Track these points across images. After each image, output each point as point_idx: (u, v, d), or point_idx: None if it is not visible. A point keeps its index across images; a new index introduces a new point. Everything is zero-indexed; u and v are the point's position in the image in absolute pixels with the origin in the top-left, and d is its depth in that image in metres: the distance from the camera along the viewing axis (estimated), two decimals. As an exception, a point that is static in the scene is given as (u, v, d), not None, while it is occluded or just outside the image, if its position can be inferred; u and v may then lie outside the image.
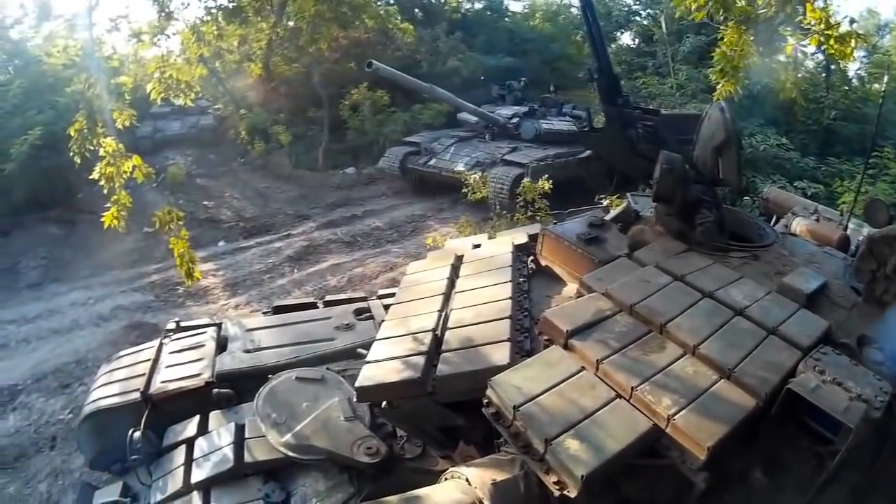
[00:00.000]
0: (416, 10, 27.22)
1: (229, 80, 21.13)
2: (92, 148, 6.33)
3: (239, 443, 3.98)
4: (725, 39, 7.98)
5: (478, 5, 30.31)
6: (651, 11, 28.13)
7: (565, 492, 2.48)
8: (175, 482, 4.00)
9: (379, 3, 22.90)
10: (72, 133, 6.33)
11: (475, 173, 15.36)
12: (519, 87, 21.91)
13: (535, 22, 29.96)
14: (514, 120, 19.55)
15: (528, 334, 3.56)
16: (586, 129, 5.01)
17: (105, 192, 6.33)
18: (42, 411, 9.08)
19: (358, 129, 21.24)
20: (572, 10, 30.47)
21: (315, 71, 20.84)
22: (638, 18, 29.64)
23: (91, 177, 6.43)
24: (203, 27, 7.27)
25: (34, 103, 16.65)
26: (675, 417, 2.67)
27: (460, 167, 17.14)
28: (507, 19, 30.44)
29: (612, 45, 27.31)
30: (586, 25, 5.23)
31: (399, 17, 23.27)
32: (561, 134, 18.91)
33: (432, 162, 18.55)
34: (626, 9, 29.87)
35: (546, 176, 12.55)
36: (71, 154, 6.42)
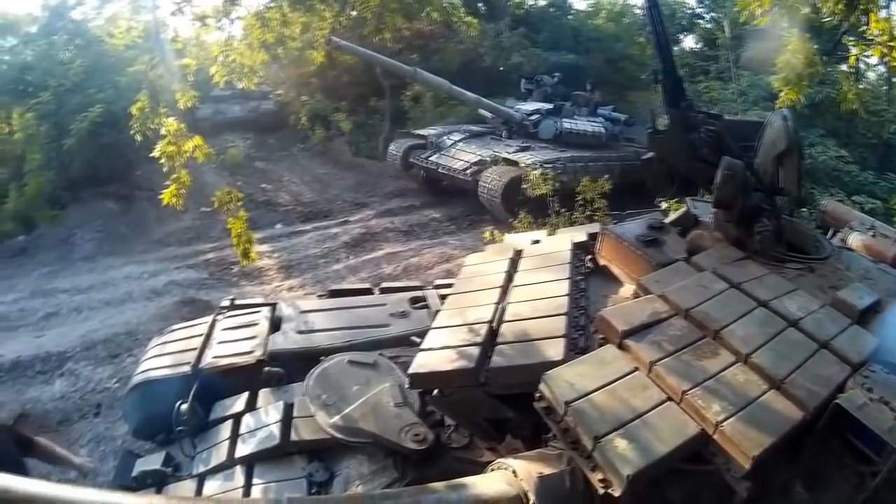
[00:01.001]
0: (480, 4, 27.06)
1: (291, 66, 21.28)
2: (153, 127, 6.43)
3: (286, 421, 4.03)
4: (789, 47, 7.88)
5: (542, 2, 29.93)
6: (714, 15, 27.72)
7: (610, 490, 2.47)
8: (219, 455, 4.07)
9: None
10: (134, 112, 6.43)
11: (472, 171, 15.90)
12: (551, 82, 20.08)
13: (600, 21, 29.46)
14: (534, 117, 18.13)
15: (583, 332, 3.56)
16: (650, 130, 5.02)
17: (165, 170, 6.43)
18: (89, 379, 9.24)
19: (419, 120, 21.06)
20: (636, 10, 30.12)
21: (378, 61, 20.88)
22: (701, 22, 29.21)
23: (151, 155, 6.53)
24: (268, 13, 7.31)
25: (95, 82, 16.98)
26: (723, 424, 2.65)
27: (458, 165, 16.60)
28: (570, 17, 30.00)
29: (675, 48, 26.65)
30: (651, 26, 5.22)
31: (464, 11, 23.21)
32: (584, 136, 17.84)
33: (434, 157, 17.49)
34: (689, 11, 29.44)
35: (553, 182, 12.41)
36: (132, 132, 6.52)
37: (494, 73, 21.24)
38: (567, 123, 17.90)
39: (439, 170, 17.02)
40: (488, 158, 16.34)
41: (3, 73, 18.55)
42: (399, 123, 20.48)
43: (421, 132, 18.84)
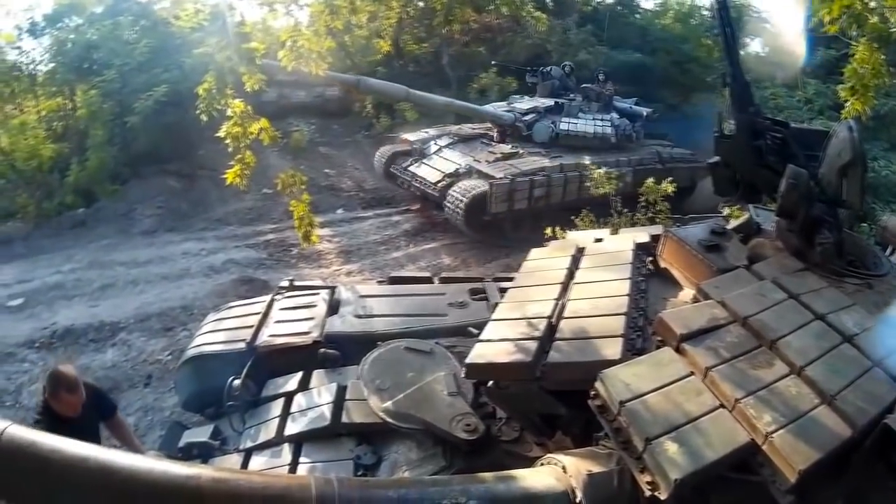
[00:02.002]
0: (548, 0, 26.93)
1: (358, 54, 21.37)
2: (219, 108, 6.52)
3: (338, 403, 4.08)
4: (857, 56, 7.74)
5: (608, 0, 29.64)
6: (782, 20, 27.20)
7: (656, 493, 2.47)
8: (268, 432, 4.14)
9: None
10: (200, 92, 6.52)
11: (443, 184, 14.10)
12: (559, 74, 17.93)
13: (667, 21, 29.00)
14: (528, 117, 15.92)
15: (641, 333, 3.55)
16: (717, 133, 4.97)
17: (230, 150, 6.52)
18: (141, 350, 9.42)
19: None
20: (704, 11, 29.70)
21: (445, 52, 20.89)
22: (768, 26, 28.72)
23: (216, 135, 6.63)
24: (337, 0, 7.35)
25: (160, 62, 17.27)
26: (773, 435, 2.63)
27: (433, 176, 14.44)
28: (638, 16, 29.65)
29: (742, 52, 26.34)
30: (720, 28, 5.15)
31: (532, 5, 22.97)
32: (586, 138, 15.80)
33: (413, 167, 15.29)
34: (756, 15, 29.00)
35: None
36: (197, 112, 6.62)
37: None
38: (565, 124, 15.95)
39: (415, 181, 15.01)
40: (463, 169, 14.38)
41: (69, 52, 18.94)
42: (465, 117, 20.34)
43: (408, 136, 16.53)
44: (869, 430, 2.82)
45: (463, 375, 3.64)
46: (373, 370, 4.07)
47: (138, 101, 16.35)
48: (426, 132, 16.61)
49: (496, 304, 4.49)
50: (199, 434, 4.51)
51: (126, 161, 16.67)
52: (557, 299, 3.89)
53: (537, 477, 2.72)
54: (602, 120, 16.29)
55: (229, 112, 6.43)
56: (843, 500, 2.87)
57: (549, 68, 18.16)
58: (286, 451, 3.97)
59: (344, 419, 3.97)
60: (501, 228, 14.19)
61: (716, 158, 5.19)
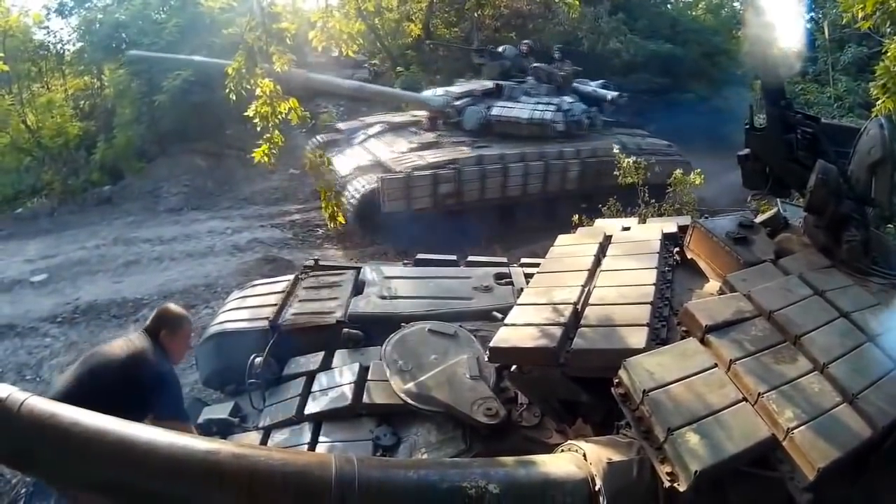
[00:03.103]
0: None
1: (387, 37, 21.34)
2: (248, 87, 6.56)
3: (360, 383, 4.10)
4: (889, 54, 7.66)
5: None
6: (814, 15, 26.88)
7: (675, 484, 2.48)
8: (288, 410, 4.17)
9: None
10: (230, 72, 6.55)
11: (350, 177, 12.53)
12: (513, 54, 16.09)
13: (698, 12, 28.71)
14: (460, 102, 14.23)
15: (665, 323, 3.55)
16: (748, 126, 4.89)
17: (258, 129, 6.55)
18: (165, 328, 9.47)
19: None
20: (735, 3, 29.45)
21: (475, 37, 20.78)
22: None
23: (244, 114, 6.66)
24: (368, -18, 7.44)
25: (189, 42, 17.37)
26: (794, 431, 2.63)
27: (347, 168, 12.87)
28: (669, 6, 29.39)
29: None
30: None
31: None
32: (518, 124, 13.75)
33: (335, 158, 12.97)
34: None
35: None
36: (226, 91, 6.65)
37: (591, 56, 20.63)
38: (498, 109, 14.06)
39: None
40: (371, 162, 12.93)
41: (97, 31, 19.16)
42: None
43: (340, 125, 15.73)
44: (889, 432, 2.82)
45: (486, 359, 3.67)
46: (395, 351, 4.09)
47: (166, 80, 16.46)
48: (362, 120, 15.76)
49: (521, 290, 4.50)
50: (219, 411, 4.55)
51: (153, 139, 16.81)
52: (583, 286, 3.90)
53: (558, 463, 2.73)
54: (546, 104, 14.19)
55: (258, 92, 6.46)
56: (860, 500, 2.86)
57: (502, 48, 16.52)
58: (306, 430, 4.00)
59: (365, 399, 3.98)
60: (407, 231, 11.74)
61: (746, 151, 5.16)
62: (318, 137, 15.36)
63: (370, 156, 13.20)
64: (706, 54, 24.74)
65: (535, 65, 15.53)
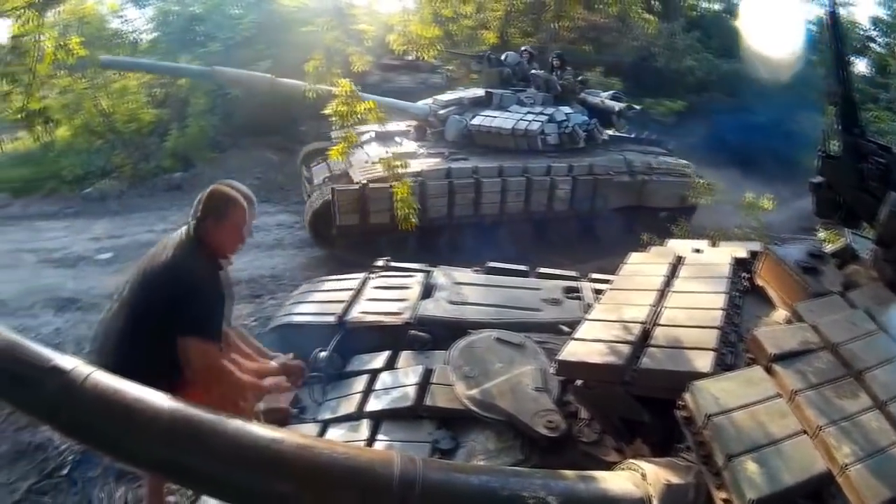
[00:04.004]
0: (654, 2, 26.55)
1: (463, 44, 21.41)
2: (326, 86, 6.67)
3: (423, 385, 4.12)
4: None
5: (716, 6, 28.58)
6: (889, 40, 26.25)
7: None
8: (349, 406, 4.20)
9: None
10: (308, 70, 6.67)
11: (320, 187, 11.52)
12: (515, 61, 14.59)
13: None
14: (446, 111, 13.11)
15: (732, 349, 3.53)
16: (822, 153, 4.79)
17: (334, 128, 6.65)
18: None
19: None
20: (810, 25, 28.96)
21: (550, 48, 20.74)
22: (874, 45, 27.73)
23: (321, 112, 6.78)
24: (450, -13, 7.48)
25: (264, 38, 17.72)
26: (850, 468, 2.60)
27: (318, 179, 12.05)
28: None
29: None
30: (831, 43, 5.02)
31: (641, 7, 22.63)
32: (500, 136, 12.35)
33: (315, 167, 12.91)
34: (862, 33, 28.00)
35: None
36: (303, 89, 6.77)
37: (666, 72, 20.46)
38: (479, 119, 12.63)
39: (308, 184, 12.67)
40: (340, 172, 11.69)
41: (172, 23, 19.59)
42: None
43: (333, 133, 12.71)
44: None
45: (552, 372, 3.69)
46: (462, 357, 4.14)
47: (241, 74, 16.76)
48: (354, 128, 13.66)
49: (589, 304, 4.52)
50: (276, 400, 4.54)
51: (226, 131, 17.13)
52: (653, 306, 3.91)
53: (617, 481, 2.75)
54: (538, 114, 12.68)
55: (336, 91, 6.56)
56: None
57: (505, 55, 14.87)
58: (364, 427, 4.02)
59: (427, 402, 4.01)
60: (367, 247, 10.55)
61: (819, 179, 5.08)
62: (307, 147, 14.68)
63: (343, 165, 11.63)
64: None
65: (533, 71, 14.18)
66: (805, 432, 2.82)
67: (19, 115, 6.85)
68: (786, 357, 3.23)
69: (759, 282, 4.58)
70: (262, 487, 2.19)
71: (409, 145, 12.60)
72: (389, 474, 2.24)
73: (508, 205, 11.40)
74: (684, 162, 13.68)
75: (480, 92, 13.59)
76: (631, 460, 2.95)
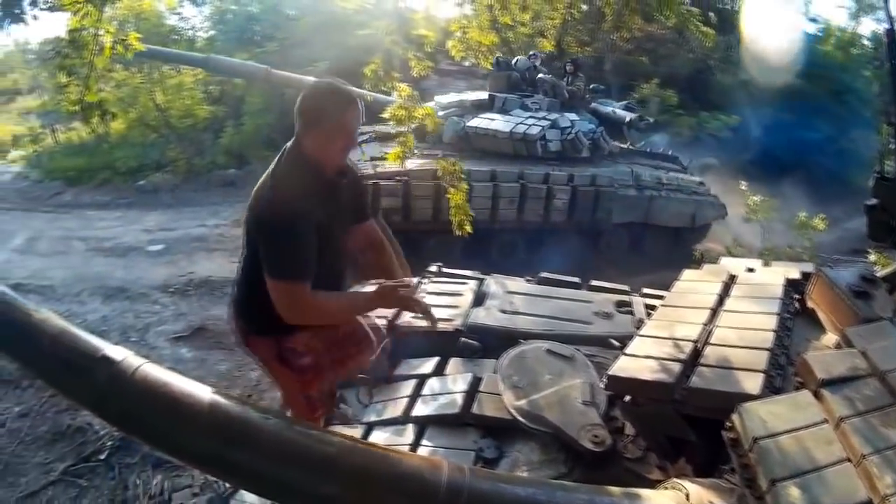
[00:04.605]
0: (711, 14, 26.14)
1: (520, 51, 21.38)
2: (384, 90, 6.74)
3: (471, 393, 4.13)
4: None
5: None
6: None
7: None
8: (395, 410, 4.23)
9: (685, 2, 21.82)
10: (367, 73, 6.74)
11: None
12: (526, 66, 14.08)
13: (828, 48, 28.00)
14: (445, 112, 12.66)
15: (781, 372, 3.52)
16: (877, 175, 4.70)
17: (392, 132, 6.72)
18: (278, 311, 9.68)
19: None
20: (865, 41, 28.44)
21: (607, 58, 20.71)
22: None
23: (379, 116, 6.86)
24: (508, -5, 7.43)
25: (321, 40, 17.92)
26: (890, 499, 2.53)
27: None
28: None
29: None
30: (889, 61, 4.95)
31: (699, 20, 22.33)
32: (496, 139, 11.98)
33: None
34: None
35: None
36: (299, 82, 6.83)
37: (722, 86, 20.19)
38: (476, 121, 12.37)
39: None
40: None
41: (229, 22, 19.92)
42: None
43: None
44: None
45: (601, 386, 3.72)
46: (511, 367, 4.16)
47: (298, 73, 16.90)
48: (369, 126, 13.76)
49: (640, 319, 4.53)
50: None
51: (281, 130, 17.35)
52: (705, 324, 3.92)
53: (661, 500, 2.76)
54: (540, 119, 12.29)
55: (395, 95, 6.63)
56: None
57: (515, 59, 14.51)
58: (409, 432, 4.04)
59: (474, 410, 4.02)
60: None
61: (873, 201, 5.01)
62: None
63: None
64: (834, 92, 23.87)
65: (540, 76, 13.74)
66: (849, 460, 2.80)
67: (76, 107, 6.97)
68: (834, 382, 3.20)
69: (810, 304, 4.55)
70: (308, 487, 2.21)
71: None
72: (437, 481, 2.25)
73: (501, 212, 11.16)
74: (697, 179, 13.36)
75: (484, 95, 13.30)
76: (675, 479, 2.96)
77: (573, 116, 12.71)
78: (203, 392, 2.40)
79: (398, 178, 10.78)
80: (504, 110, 12.70)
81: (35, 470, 6.14)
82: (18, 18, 6.41)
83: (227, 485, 4.59)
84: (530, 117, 12.28)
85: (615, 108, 14.63)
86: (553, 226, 11.32)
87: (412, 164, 10.92)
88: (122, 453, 6.21)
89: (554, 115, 12.51)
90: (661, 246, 11.52)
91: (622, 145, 13.69)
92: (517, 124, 11.99)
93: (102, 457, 6.22)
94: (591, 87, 14.91)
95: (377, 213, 3.84)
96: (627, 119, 14.19)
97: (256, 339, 3.57)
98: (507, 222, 11.19)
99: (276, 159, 3.24)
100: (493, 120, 12.26)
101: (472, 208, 10.09)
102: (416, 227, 10.68)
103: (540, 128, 11.91)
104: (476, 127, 12.16)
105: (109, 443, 6.33)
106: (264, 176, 3.20)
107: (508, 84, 13.61)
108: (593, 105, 14.42)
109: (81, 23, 6.15)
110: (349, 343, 3.68)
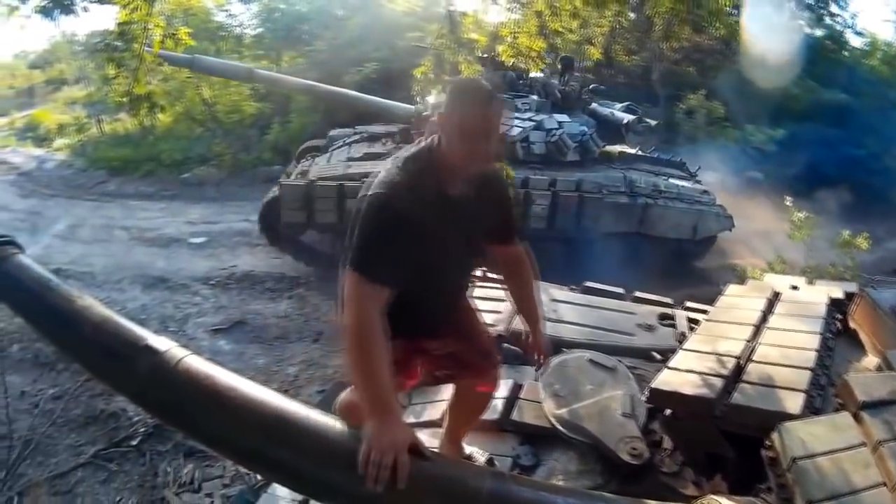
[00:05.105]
0: (759, 27, 25.88)
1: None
2: (434, 91, 6.81)
3: (511, 399, 4.14)
4: None
5: (818, 32, 27.57)
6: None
7: None
8: (433, 412, 4.25)
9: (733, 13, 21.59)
10: (417, 75, 6.81)
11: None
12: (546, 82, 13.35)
13: (874, 62, 27.35)
14: (427, 113, 11.31)
15: (822, 392, 3.53)
16: None
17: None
18: (317, 307, 9.90)
19: (690, 137, 19.97)
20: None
21: (656, 68, 20.64)
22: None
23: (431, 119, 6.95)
24: (559, 3, 7.43)
25: (371, 41, 18.06)
26: None
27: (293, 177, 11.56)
28: (845, 53, 27.83)
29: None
30: None
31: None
32: None
33: (302, 164, 12.51)
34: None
35: None
36: (412, 93, 6.91)
37: (769, 99, 20.09)
38: None
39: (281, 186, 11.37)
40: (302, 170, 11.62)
41: (278, 20, 20.15)
42: (671, 134, 19.50)
43: (333, 132, 14.43)
44: None
45: (642, 398, 3.75)
46: (553, 375, 4.18)
47: (347, 74, 17.04)
48: (354, 128, 14.07)
49: (682, 333, 4.55)
50: None
51: (328, 128, 17.50)
52: (748, 341, 3.93)
53: (698, 515, 2.78)
54: (526, 120, 11.73)
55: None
56: None
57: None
58: (446, 435, 4.08)
59: (514, 416, 4.03)
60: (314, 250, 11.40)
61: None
62: (305, 144, 15.02)
63: (317, 165, 11.84)
64: (880, 108, 23.51)
65: (532, 74, 12.61)
66: (885, 484, 2.79)
67: (124, 99, 7.08)
68: (874, 405, 3.19)
69: (853, 324, 4.53)
70: (350, 488, 2.20)
71: (388, 147, 12.00)
72: (480, 488, 2.25)
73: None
74: (702, 188, 12.31)
75: None
76: (710, 496, 2.95)
77: (563, 118, 12.22)
78: (247, 387, 2.43)
79: (364, 180, 10.04)
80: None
81: (66, 451, 6.32)
82: (69, 10, 6.54)
83: (259, 477, 4.64)
84: (515, 118, 11.71)
85: (614, 110, 14.34)
86: (535, 232, 10.39)
87: (375, 167, 10.26)
88: (154, 440, 6.37)
89: (541, 117, 12.04)
90: (659, 259, 10.86)
91: (629, 150, 13.13)
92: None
93: (134, 443, 6.39)
94: (590, 87, 14.61)
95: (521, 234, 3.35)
96: (625, 121, 13.83)
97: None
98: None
99: (411, 149, 2.91)
100: None
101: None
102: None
103: (521, 129, 11.46)
104: None
105: (142, 429, 6.48)
106: (391, 160, 2.90)
107: (504, 84, 13.08)
108: (593, 106, 14.11)
109: (131, 16, 6.27)
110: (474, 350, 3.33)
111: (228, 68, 14.38)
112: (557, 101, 13.04)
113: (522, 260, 3.38)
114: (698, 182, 12.67)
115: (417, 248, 2.61)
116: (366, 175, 8.26)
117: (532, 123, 11.66)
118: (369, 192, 2.69)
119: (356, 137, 13.11)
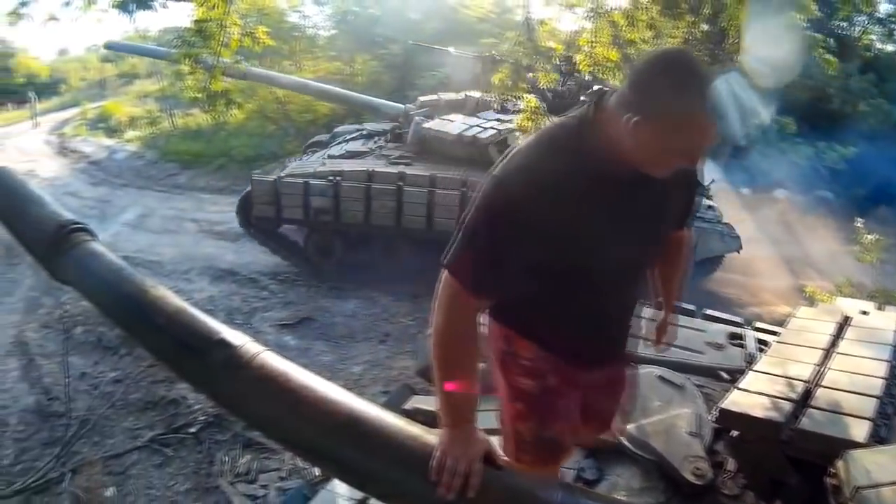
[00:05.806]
0: (830, 40, 25.27)
1: (638, 68, 21.14)
2: (510, 99, 6.87)
3: None
4: None
5: (890, 47, 26.43)
6: None
7: None
8: (491, 422, 4.22)
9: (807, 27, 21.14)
10: (494, 82, 6.88)
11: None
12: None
13: None
14: (415, 112, 12.12)
15: (887, 421, 3.49)
16: None
17: (518, 140, 6.86)
18: (385, 308, 9.98)
19: (761, 151, 19.51)
20: None
21: (730, 79, 20.31)
22: None
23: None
24: (637, 13, 7.43)
25: (445, 46, 18.06)
26: None
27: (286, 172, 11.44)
28: None
29: None
30: None
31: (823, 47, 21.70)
32: (444, 142, 11.07)
33: (299, 161, 12.52)
34: None
35: None
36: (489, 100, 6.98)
37: (840, 116, 19.64)
38: (431, 122, 11.45)
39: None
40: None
41: (352, 22, 20.36)
42: (739, 150, 19.17)
43: (338, 129, 14.68)
44: None
45: (710, 418, 3.76)
46: (622, 390, 4.21)
47: (420, 77, 17.15)
48: (358, 125, 14.28)
49: (751, 354, 4.57)
50: (428, 402, 4.65)
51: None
52: (818, 365, 3.92)
53: (757, 541, 2.79)
54: (506, 122, 10.57)
55: (522, 105, 6.74)
56: None
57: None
58: (507, 446, 4.13)
59: (580, 430, 4.07)
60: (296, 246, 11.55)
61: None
62: (312, 139, 15.19)
63: (304, 160, 12.22)
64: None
65: (530, 74, 12.06)
66: (940, 520, 2.80)
67: (199, 95, 7.23)
68: (937, 436, 3.19)
69: (921, 352, 4.47)
70: (420, 491, 2.20)
71: (372, 145, 12.22)
72: (548, 498, 2.24)
73: (438, 221, 10.25)
74: (707, 203, 11.13)
75: (460, 95, 12.53)
76: (770, 522, 2.99)
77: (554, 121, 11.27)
78: (323, 386, 2.48)
79: (330, 179, 10.48)
80: (476, 111, 11.73)
81: (122, 434, 6.48)
82: (146, 5, 6.71)
83: (317, 472, 4.74)
84: (496, 120, 10.99)
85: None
86: None
87: (350, 167, 10.86)
88: (213, 429, 6.47)
89: (505, 118, 10.91)
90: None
91: None
92: (471, 127, 10.89)
93: (193, 430, 6.51)
94: (594, 88, 14.12)
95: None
96: None
97: (491, 321, 2.55)
98: (446, 232, 10.50)
99: (558, 125, 2.31)
100: (447, 122, 11.35)
101: (406, 214, 10.24)
102: (353, 227, 10.88)
103: (496, 131, 10.58)
104: (429, 129, 11.33)
105: (202, 418, 6.60)
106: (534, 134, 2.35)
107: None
108: None
109: (209, 14, 6.42)
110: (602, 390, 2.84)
111: (277, 81, 15.36)
112: (549, 101, 12.24)
113: (686, 241, 2.95)
114: (708, 197, 11.45)
115: (556, 248, 2.05)
116: (337, 174, 8.98)
117: (511, 126, 10.27)
118: (493, 172, 2.15)
119: (356, 134, 13.22)
